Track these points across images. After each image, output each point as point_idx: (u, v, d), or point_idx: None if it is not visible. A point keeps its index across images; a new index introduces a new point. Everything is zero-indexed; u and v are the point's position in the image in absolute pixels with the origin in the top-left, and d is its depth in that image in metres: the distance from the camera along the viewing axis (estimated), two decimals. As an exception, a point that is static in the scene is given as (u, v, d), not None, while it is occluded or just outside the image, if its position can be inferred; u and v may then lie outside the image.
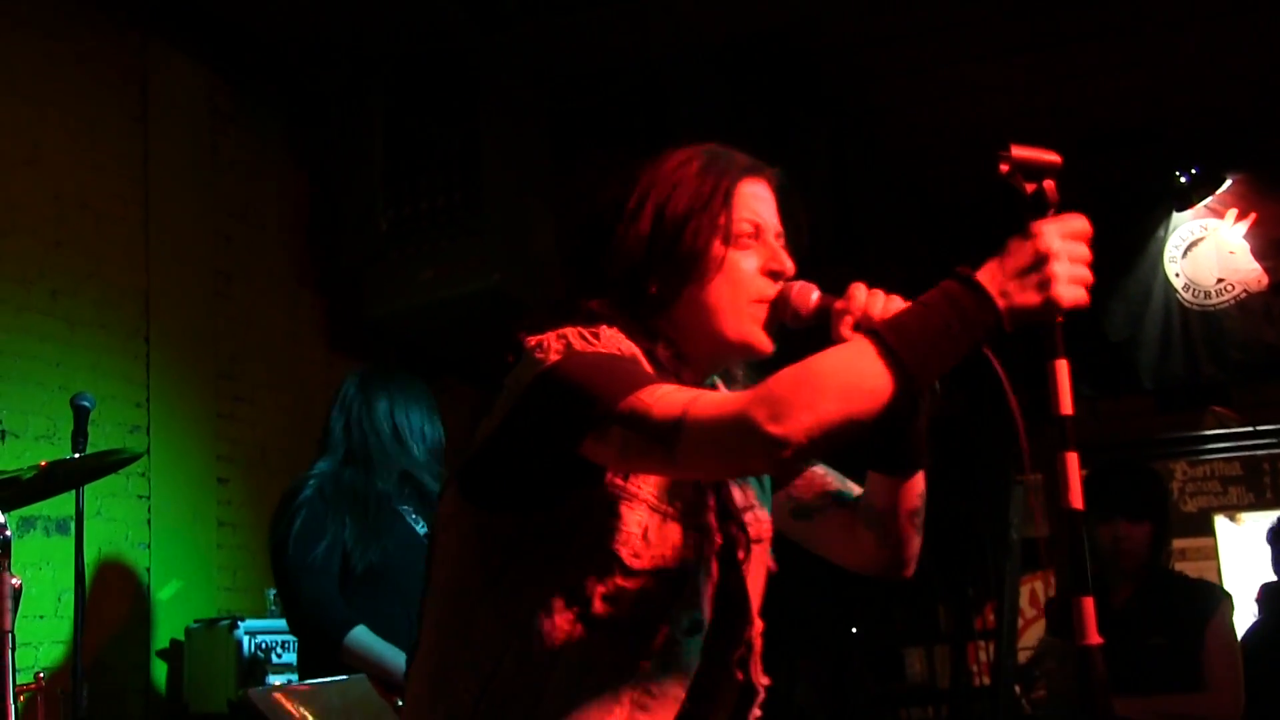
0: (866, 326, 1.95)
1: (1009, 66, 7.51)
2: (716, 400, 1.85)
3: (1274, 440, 9.14)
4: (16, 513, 3.55)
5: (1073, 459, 1.88)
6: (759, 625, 2.20)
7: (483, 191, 6.37)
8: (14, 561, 3.38)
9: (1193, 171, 8.83)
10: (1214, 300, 8.95)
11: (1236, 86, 7.83)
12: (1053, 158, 1.96)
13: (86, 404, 4.61)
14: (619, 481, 2.00)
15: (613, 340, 2.02)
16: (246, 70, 6.68)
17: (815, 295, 2.11)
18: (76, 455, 4.41)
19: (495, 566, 2.04)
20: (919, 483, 2.24)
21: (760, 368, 2.28)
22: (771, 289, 2.13)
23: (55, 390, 5.33)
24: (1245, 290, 8.89)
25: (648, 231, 2.11)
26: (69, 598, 5.19)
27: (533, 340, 2.01)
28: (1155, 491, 5.16)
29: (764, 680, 2.20)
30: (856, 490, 2.33)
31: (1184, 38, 7.26)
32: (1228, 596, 5.00)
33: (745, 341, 2.14)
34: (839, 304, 2.07)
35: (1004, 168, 1.96)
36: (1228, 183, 8.88)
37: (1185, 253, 9.02)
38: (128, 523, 5.68)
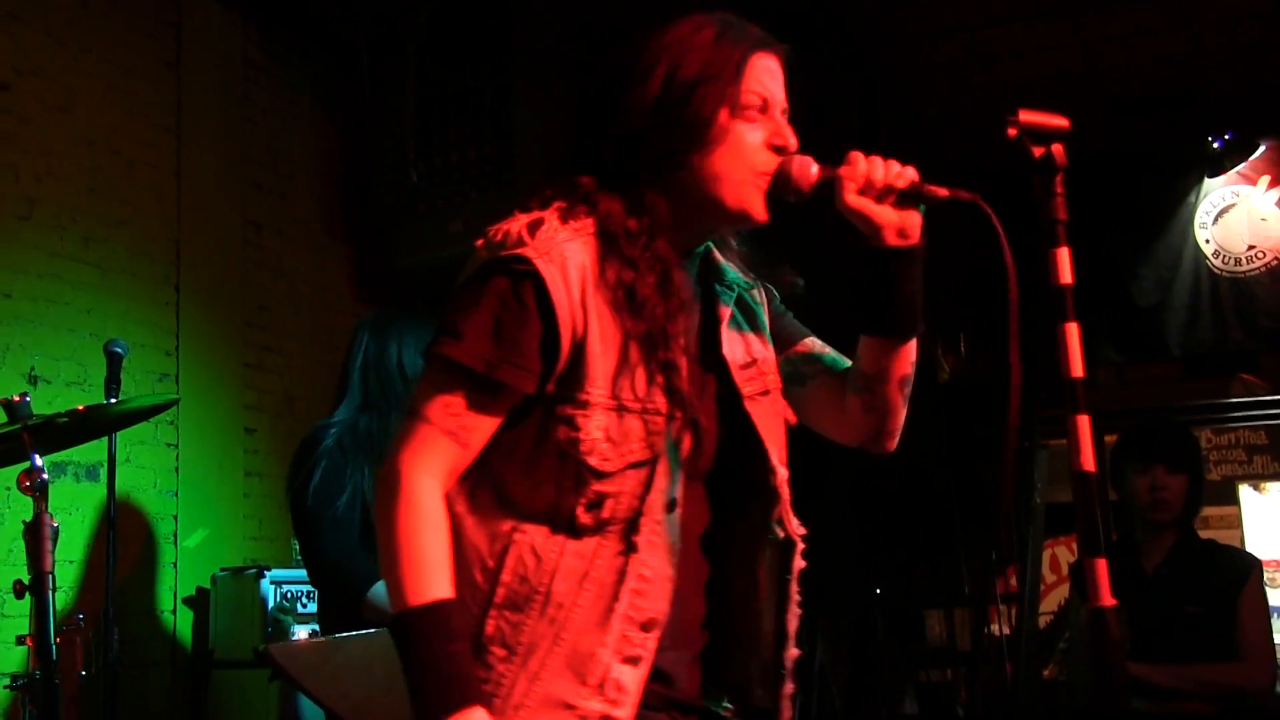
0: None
1: (1043, 29, 7.46)
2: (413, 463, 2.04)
3: (1301, 409, 9.10)
4: (49, 458, 3.58)
5: (1084, 421, 1.90)
6: (783, 474, 2.25)
7: (514, 144, 6.38)
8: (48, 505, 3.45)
9: (1226, 137, 8.74)
10: (1244, 267, 8.88)
11: (1272, 52, 7.76)
12: (1060, 122, 1.97)
13: (120, 351, 4.65)
14: (571, 394, 2.05)
15: (546, 243, 2.05)
16: (279, 19, 6.70)
17: (815, 168, 2.14)
18: (112, 401, 4.44)
19: (469, 485, 2.12)
20: (911, 350, 2.27)
21: (751, 237, 2.36)
22: (773, 163, 2.15)
23: (86, 337, 5.38)
24: (1276, 258, 8.81)
25: (656, 95, 2.13)
26: (97, 543, 5.26)
27: (490, 231, 2.11)
28: (1193, 446, 5.17)
29: (799, 529, 2.25)
30: (848, 362, 2.35)
31: (1220, 2, 7.20)
32: (1258, 564, 5.00)
33: (744, 210, 2.16)
34: (841, 171, 2.12)
35: (1012, 132, 1.98)
36: (1261, 149, 8.79)
37: (1216, 219, 8.95)
38: (156, 470, 5.73)
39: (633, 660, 2.04)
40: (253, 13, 6.54)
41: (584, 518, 2.04)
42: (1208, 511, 8.62)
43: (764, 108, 2.16)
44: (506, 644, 2.04)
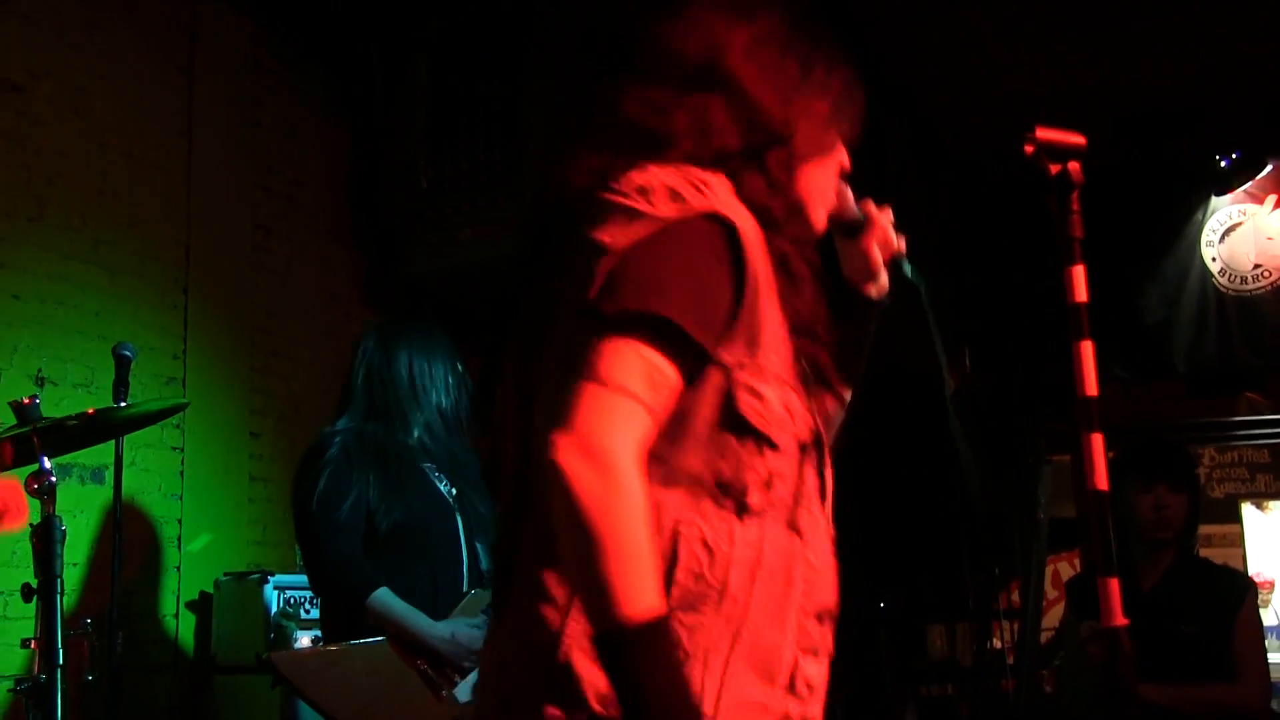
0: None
1: (1052, 45, 7.46)
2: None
3: (1305, 429, 9.10)
4: (55, 460, 3.58)
5: (1098, 440, 1.90)
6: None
7: (524, 153, 6.39)
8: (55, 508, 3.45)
9: (1233, 155, 8.75)
10: (1250, 286, 8.88)
11: (1280, 71, 7.78)
12: (1077, 140, 1.98)
13: (129, 354, 4.64)
14: (751, 359, 1.89)
15: (725, 199, 1.91)
16: (292, 25, 6.70)
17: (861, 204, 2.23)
18: (121, 404, 4.45)
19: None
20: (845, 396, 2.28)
21: None
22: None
23: (95, 339, 5.39)
24: (1283, 277, 8.83)
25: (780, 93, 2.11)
26: (102, 546, 5.26)
27: (638, 179, 1.88)
28: (1193, 466, 5.19)
29: None
30: None
31: (1230, 20, 7.20)
32: (1254, 585, 5.02)
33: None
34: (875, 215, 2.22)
35: (1028, 149, 1.98)
36: (1268, 168, 8.80)
37: (1223, 237, 8.95)
38: (161, 473, 5.74)
39: (814, 652, 1.91)
40: (266, 19, 6.55)
41: (755, 498, 1.87)
42: (1210, 530, 8.63)
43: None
44: (685, 650, 1.79)
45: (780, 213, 2.00)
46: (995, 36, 7.38)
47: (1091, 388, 1.91)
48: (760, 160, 2.00)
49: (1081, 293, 1.94)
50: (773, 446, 1.88)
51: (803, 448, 1.94)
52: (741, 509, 1.86)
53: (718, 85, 2.00)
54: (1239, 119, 8.44)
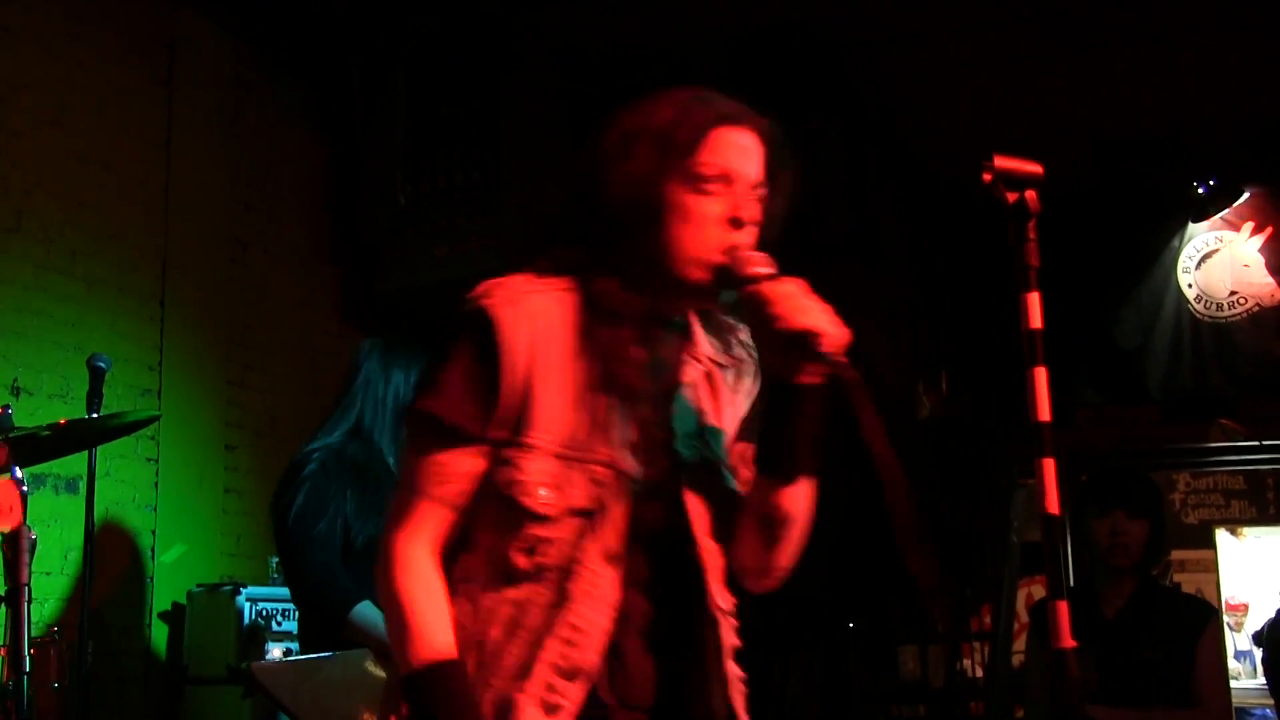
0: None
1: (1032, 70, 7.50)
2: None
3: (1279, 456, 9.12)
4: (29, 470, 3.58)
5: (1049, 465, 1.91)
6: (708, 546, 2.19)
7: (501, 171, 6.43)
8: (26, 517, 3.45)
9: (1210, 183, 8.80)
10: (1226, 313, 8.93)
11: (1258, 99, 7.82)
12: (1034, 169, 1.99)
13: (103, 365, 4.64)
14: (516, 437, 2.09)
15: (509, 292, 2.15)
16: (273, 41, 6.72)
17: (760, 267, 2.07)
18: (94, 415, 4.45)
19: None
20: (793, 494, 2.16)
21: None
22: (732, 237, 2.11)
23: (70, 350, 5.38)
24: (1258, 304, 8.86)
25: (618, 169, 2.14)
26: (75, 555, 5.26)
27: (479, 289, 2.18)
28: (1154, 494, 5.17)
29: (724, 604, 2.21)
30: None
31: (1208, 49, 7.25)
32: (1217, 613, 5.03)
33: (688, 282, 2.14)
34: (763, 287, 2.05)
35: (986, 177, 1.99)
36: (1245, 195, 8.84)
37: (1199, 264, 9.00)
38: (135, 484, 5.73)
39: (552, 709, 2.04)
40: (246, 33, 6.56)
41: (520, 561, 2.09)
42: (1184, 555, 8.66)
43: (727, 181, 2.13)
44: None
45: (618, 305, 2.14)
46: (974, 63, 7.42)
47: (1044, 413, 1.92)
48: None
49: (1036, 319, 1.95)
50: (532, 515, 2.08)
51: (580, 514, 2.08)
52: (509, 572, 2.10)
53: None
54: (1216, 146, 8.49)
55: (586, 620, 2.06)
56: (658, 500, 2.15)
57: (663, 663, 2.16)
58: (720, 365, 2.28)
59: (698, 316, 2.28)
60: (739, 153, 2.16)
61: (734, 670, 2.22)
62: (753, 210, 2.14)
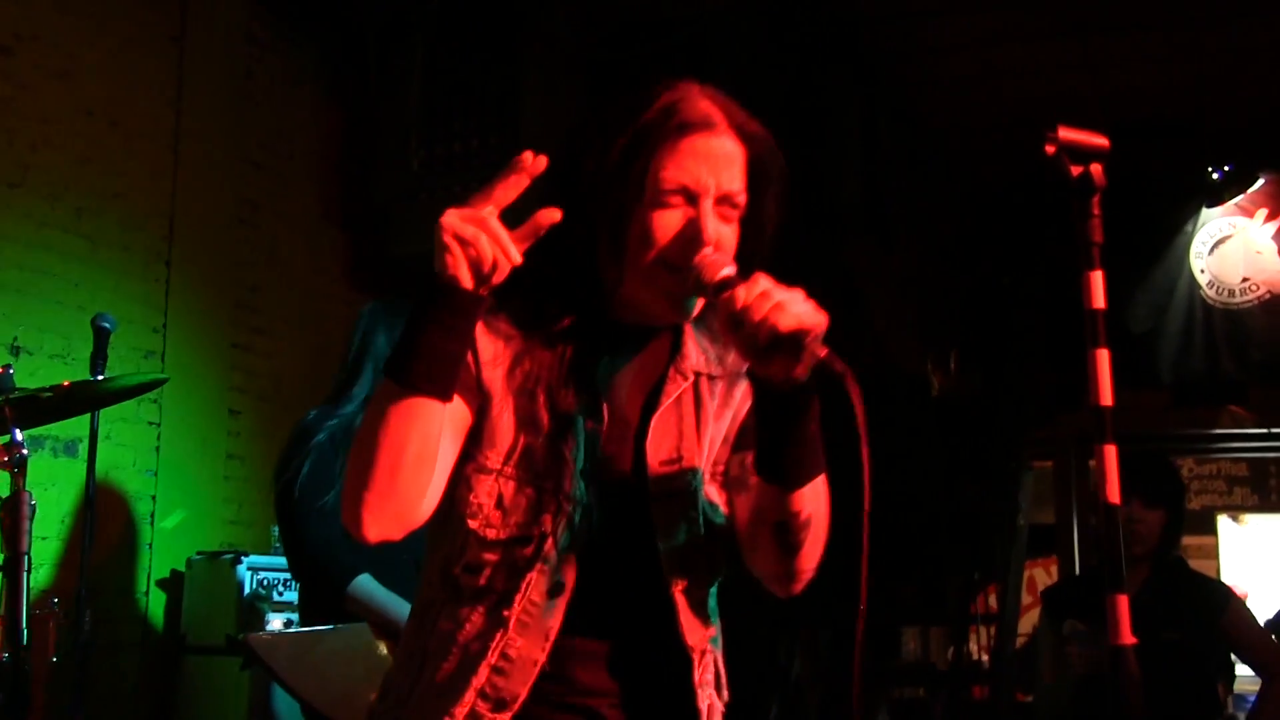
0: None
1: (1049, 49, 7.46)
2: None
3: (1284, 443, 9.13)
4: (28, 432, 3.50)
5: (1110, 451, 1.84)
6: (677, 582, 2.08)
7: (519, 137, 6.34)
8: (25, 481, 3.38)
9: (1226, 168, 8.77)
10: (1238, 299, 8.90)
11: (1275, 86, 7.77)
12: (1101, 141, 1.90)
13: (108, 325, 4.57)
14: (474, 455, 2.04)
15: (498, 322, 2.07)
16: (287, -1, 6.64)
17: (726, 271, 1.93)
18: (98, 378, 4.37)
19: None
20: (804, 496, 2.01)
21: None
22: (698, 248, 1.98)
23: (73, 309, 5.31)
24: (1270, 291, 8.84)
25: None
26: (71, 520, 5.19)
27: None
28: (1173, 481, 5.16)
29: (694, 641, 2.09)
30: None
31: (1229, 33, 7.20)
32: (1233, 592, 5.05)
33: (647, 301, 2.06)
34: (736, 292, 1.88)
35: (1050, 149, 1.90)
36: (1260, 182, 8.82)
37: (1212, 249, 8.97)
38: (136, 448, 5.67)
39: None
40: (259, -10, 6.49)
41: (464, 581, 2.04)
42: (1185, 541, 8.62)
43: (688, 194, 2.01)
44: (383, 688, 2.13)
45: (545, 314, 2.10)
46: (992, 40, 7.37)
47: (1106, 397, 1.85)
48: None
49: (1100, 299, 1.87)
50: (477, 538, 2.03)
51: (523, 542, 2.02)
52: (455, 589, 2.05)
53: None
54: (1232, 133, 8.44)
55: (519, 651, 1.99)
56: (618, 533, 2.05)
57: (626, 699, 2.06)
58: (711, 377, 2.16)
59: (691, 327, 2.17)
60: (708, 162, 2.02)
61: (715, 704, 2.13)
62: (724, 216, 2.03)
